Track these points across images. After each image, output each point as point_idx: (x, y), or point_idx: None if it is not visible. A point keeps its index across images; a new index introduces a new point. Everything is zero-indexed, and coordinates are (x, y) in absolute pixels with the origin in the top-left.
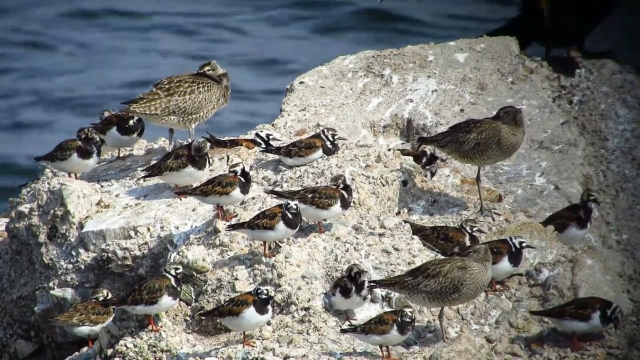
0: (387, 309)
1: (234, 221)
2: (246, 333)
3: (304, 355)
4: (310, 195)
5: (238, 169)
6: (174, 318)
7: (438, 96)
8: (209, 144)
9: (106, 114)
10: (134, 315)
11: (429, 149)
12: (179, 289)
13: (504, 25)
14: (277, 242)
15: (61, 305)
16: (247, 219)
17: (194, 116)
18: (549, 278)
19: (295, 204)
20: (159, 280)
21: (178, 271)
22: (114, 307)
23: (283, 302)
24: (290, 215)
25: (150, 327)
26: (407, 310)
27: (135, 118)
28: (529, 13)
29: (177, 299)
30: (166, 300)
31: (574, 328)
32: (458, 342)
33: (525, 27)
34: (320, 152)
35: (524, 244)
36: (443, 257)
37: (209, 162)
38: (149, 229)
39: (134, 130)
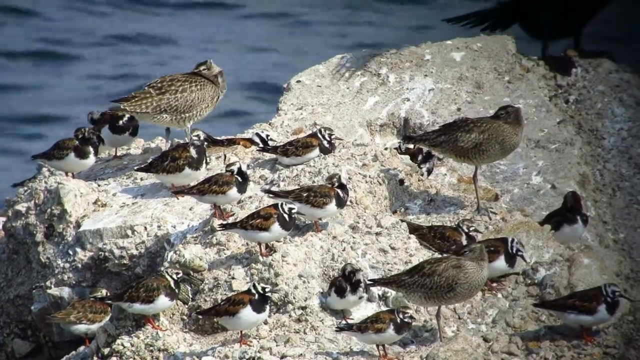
0: (383, 308)
1: (230, 220)
2: (243, 332)
3: (301, 354)
4: (305, 194)
5: (234, 167)
6: (171, 317)
7: (435, 95)
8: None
9: (95, 114)
10: (131, 314)
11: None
12: (176, 291)
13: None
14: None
15: (58, 304)
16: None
17: (187, 115)
18: (545, 277)
19: (295, 208)
20: (157, 280)
21: (179, 275)
22: (110, 303)
23: (280, 301)
24: (287, 217)
25: (148, 324)
26: (404, 309)
27: (127, 117)
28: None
29: (174, 300)
30: (163, 300)
31: (579, 321)
32: (455, 342)
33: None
34: (317, 151)
35: (519, 253)
36: (439, 256)
37: (206, 161)
38: (146, 228)
39: (126, 129)
